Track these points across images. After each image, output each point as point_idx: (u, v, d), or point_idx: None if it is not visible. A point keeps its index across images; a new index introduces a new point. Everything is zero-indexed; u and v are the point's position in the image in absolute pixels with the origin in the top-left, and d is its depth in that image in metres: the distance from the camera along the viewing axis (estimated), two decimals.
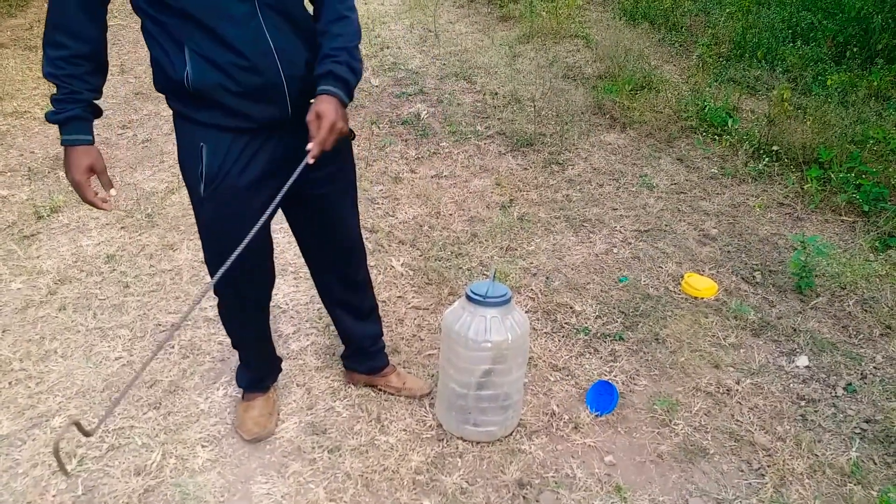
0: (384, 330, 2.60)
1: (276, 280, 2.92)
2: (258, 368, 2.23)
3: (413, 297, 2.87)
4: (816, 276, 2.97)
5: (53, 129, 4.25)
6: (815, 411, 2.32)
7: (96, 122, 1.73)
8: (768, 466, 2.10)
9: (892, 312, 2.81)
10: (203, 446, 2.11)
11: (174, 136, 1.78)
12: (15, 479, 1.98)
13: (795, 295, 2.91)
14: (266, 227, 1.84)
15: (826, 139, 3.99)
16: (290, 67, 1.65)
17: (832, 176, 3.68)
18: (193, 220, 3.30)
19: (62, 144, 1.67)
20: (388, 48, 6.03)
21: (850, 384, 2.44)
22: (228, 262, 1.53)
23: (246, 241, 1.55)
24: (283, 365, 2.45)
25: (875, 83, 4.74)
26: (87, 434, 1.44)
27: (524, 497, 1.99)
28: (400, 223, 3.43)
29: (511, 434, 2.19)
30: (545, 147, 4.20)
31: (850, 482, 2.05)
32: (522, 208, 3.56)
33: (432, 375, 2.42)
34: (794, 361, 2.54)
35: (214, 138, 1.68)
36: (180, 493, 1.95)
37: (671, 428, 2.25)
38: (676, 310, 2.80)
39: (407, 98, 4.98)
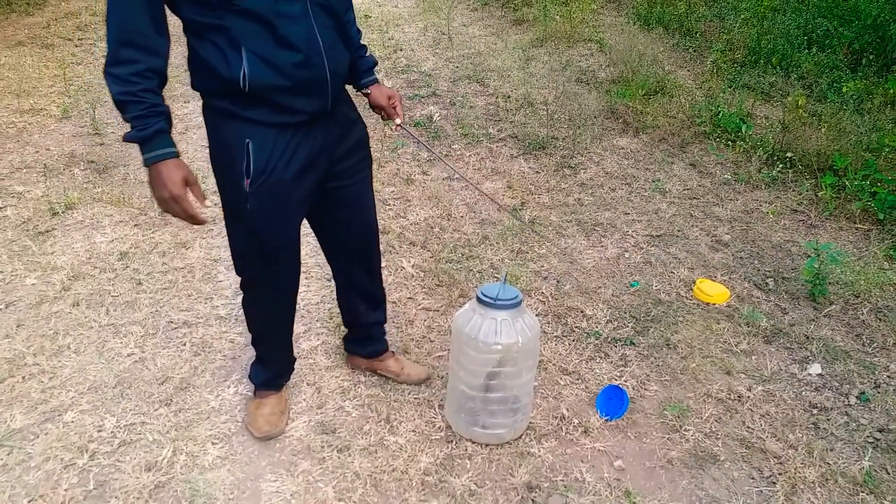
0: (395, 329, 2.61)
1: None
2: (277, 365, 2.24)
3: (423, 299, 2.88)
4: (830, 283, 2.95)
5: (69, 127, 4.29)
6: (828, 420, 2.30)
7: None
8: (779, 474, 2.08)
9: None
10: (213, 443, 2.12)
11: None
12: (27, 473, 1.99)
13: (808, 302, 2.89)
14: (299, 221, 1.93)
15: (841, 146, 3.96)
16: (333, 63, 1.75)
17: (847, 183, 3.65)
18: (206, 218, 3.34)
19: (151, 163, 1.61)
20: (401, 50, 6.04)
21: (863, 393, 2.42)
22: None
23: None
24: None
25: (891, 91, 4.71)
26: None
27: (533, 500, 1.98)
28: (411, 224, 3.43)
29: (520, 437, 2.19)
30: (557, 151, 4.20)
31: (862, 492, 2.04)
32: (534, 211, 3.55)
33: (442, 377, 2.42)
34: (806, 369, 2.52)
35: (261, 134, 1.72)
36: (190, 489, 1.96)
37: (681, 434, 2.24)
38: (688, 315, 2.79)
39: (420, 100, 4.99)
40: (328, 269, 2.33)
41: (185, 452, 2.08)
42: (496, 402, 2.09)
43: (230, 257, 1.95)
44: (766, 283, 3.01)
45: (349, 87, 2.03)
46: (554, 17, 6.44)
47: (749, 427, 2.26)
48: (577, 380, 2.45)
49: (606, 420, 2.28)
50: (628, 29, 6.44)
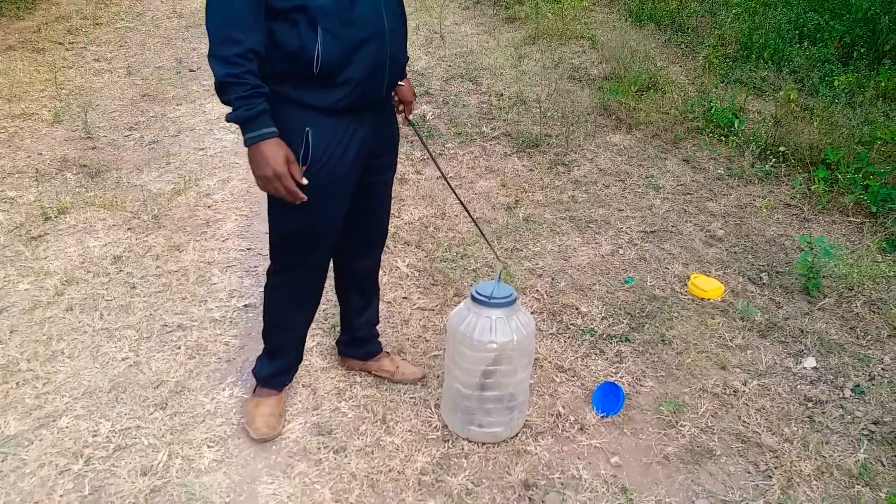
0: (390, 329, 2.61)
1: None
2: (286, 360, 2.21)
3: (418, 298, 2.87)
4: (824, 277, 2.95)
5: (61, 131, 4.27)
6: (823, 413, 2.31)
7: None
8: (775, 468, 2.09)
9: None
10: (209, 447, 2.11)
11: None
12: (22, 479, 1.98)
13: (802, 296, 2.90)
14: (345, 211, 1.98)
15: (833, 140, 3.97)
16: (394, 47, 1.82)
17: (839, 177, 3.66)
18: (200, 222, 3.34)
19: (255, 141, 1.67)
20: None
21: (857, 386, 2.43)
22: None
23: None
24: None
25: (882, 84, 4.72)
26: None
27: (530, 498, 1.98)
28: (405, 224, 3.43)
29: (517, 435, 2.19)
30: (551, 148, 4.20)
31: (857, 484, 2.04)
32: (528, 209, 3.55)
33: (437, 377, 2.41)
34: (801, 363, 2.53)
35: (320, 123, 1.78)
36: (186, 493, 1.95)
37: (677, 429, 2.24)
38: (683, 311, 2.79)
39: None
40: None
41: (180, 456, 2.07)
42: (492, 400, 2.09)
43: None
44: (761, 278, 3.02)
45: None
46: (546, 15, 6.44)
47: (745, 421, 2.27)
48: (573, 377, 2.46)
49: (602, 417, 2.28)
50: (620, 25, 6.44)
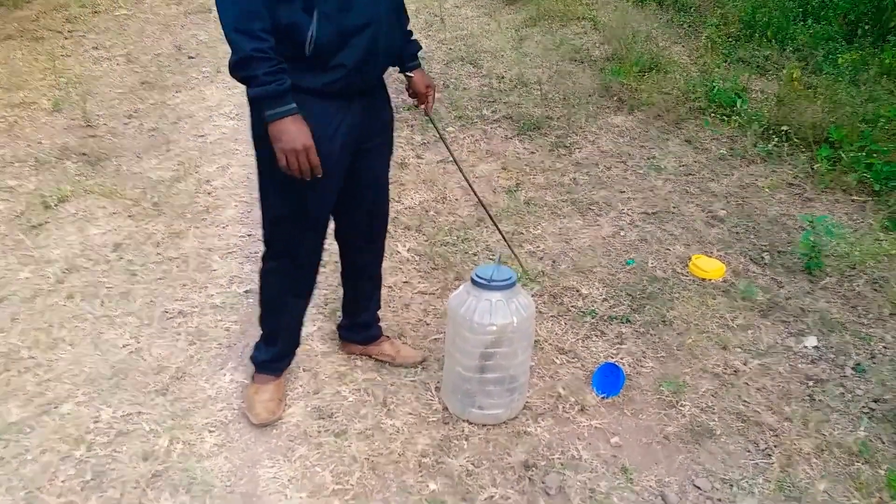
0: (391, 313, 2.62)
1: None
2: (283, 345, 2.22)
3: (419, 282, 2.87)
4: (826, 256, 2.94)
5: (61, 120, 4.26)
6: (824, 391, 2.30)
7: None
8: (775, 447, 2.09)
9: None
10: (210, 431, 2.12)
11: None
12: (24, 466, 2.00)
13: (804, 275, 2.88)
14: (336, 196, 1.98)
15: (837, 118, 3.93)
16: (387, 38, 1.82)
17: (843, 155, 3.63)
18: (200, 209, 3.33)
19: (284, 116, 1.68)
20: None
21: (858, 364, 2.42)
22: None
23: None
24: None
25: (887, 61, 4.66)
26: None
27: (530, 479, 1.99)
28: (406, 208, 3.42)
29: (517, 417, 2.19)
30: (552, 130, 4.17)
31: (857, 461, 2.04)
32: (529, 192, 3.54)
33: (438, 360, 2.42)
34: (802, 342, 2.52)
35: (310, 105, 1.75)
36: (187, 477, 1.96)
37: (678, 409, 2.24)
38: (684, 291, 2.78)
39: None
40: (324, 256, 2.32)
41: (181, 441, 2.08)
42: (492, 382, 2.09)
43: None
44: (762, 258, 3.00)
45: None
46: None
47: (745, 401, 2.26)
48: (574, 358, 2.45)
49: (603, 398, 2.28)
50: (621, 6, 6.37)
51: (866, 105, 4.07)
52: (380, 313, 2.43)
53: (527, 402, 2.24)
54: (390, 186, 3.56)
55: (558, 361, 2.44)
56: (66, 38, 5.75)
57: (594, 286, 2.83)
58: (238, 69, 1.66)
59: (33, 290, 2.75)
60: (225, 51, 1.83)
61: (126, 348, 2.47)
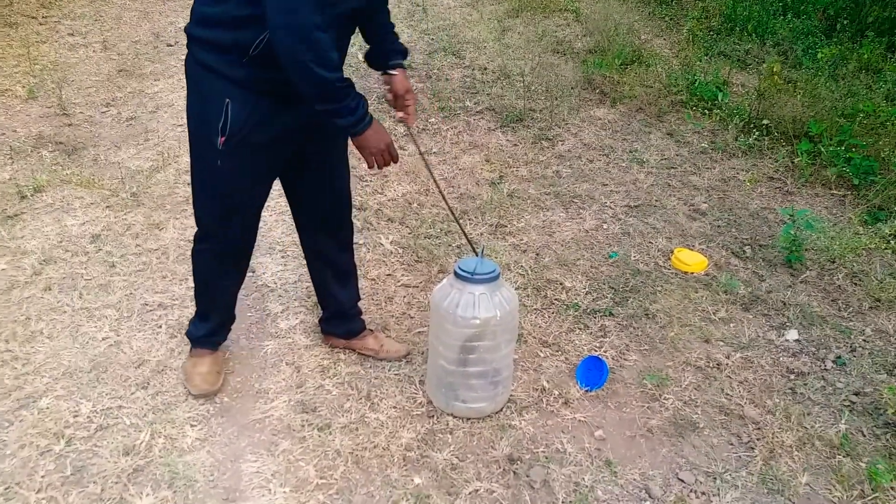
0: (375, 306, 2.60)
1: (265, 259, 2.91)
2: (215, 322, 2.26)
3: (402, 275, 2.86)
4: (806, 249, 2.97)
5: (35, 108, 4.17)
6: (805, 384, 2.33)
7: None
8: (758, 440, 2.11)
9: (882, 285, 2.81)
10: (192, 426, 2.10)
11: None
12: (2, 461, 1.96)
13: (785, 269, 2.91)
14: (267, 187, 2.02)
15: (816, 113, 3.98)
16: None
17: (822, 150, 3.67)
18: (180, 199, 3.28)
19: (372, 121, 1.83)
20: None
21: (839, 357, 2.45)
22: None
23: None
24: (272, 344, 2.44)
25: (865, 56, 4.73)
26: None
27: (514, 472, 1.99)
28: (389, 200, 3.40)
29: (501, 410, 2.19)
30: (535, 123, 4.17)
31: (839, 454, 2.07)
32: (512, 184, 3.53)
33: (422, 353, 2.41)
34: (783, 335, 2.55)
35: (241, 97, 1.77)
36: (169, 472, 1.94)
37: (661, 402, 2.25)
38: (666, 285, 2.80)
39: None
40: None
41: (163, 435, 2.06)
42: (476, 376, 2.09)
43: None
44: (744, 251, 3.03)
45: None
46: None
47: (728, 394, 2.29)
48: (557, 352, 2.46)
49: (586, 391, 2.29)
50: None
51: (845, 100, 4.12)
52: (362, 306, 2.41)
53: (511, 396, 2.24)
54: (372, 179, 3.57)
55: (542, 354, 2.44)
56: (40, 24, 5.62)
57: (577, 279, 2.83)
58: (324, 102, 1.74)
59: (9, 281, 2.70)
60: None
61: (105, 341, 2.43)
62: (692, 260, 2.90)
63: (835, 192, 3.49)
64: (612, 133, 4.08)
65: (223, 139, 1.80)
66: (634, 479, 1.98)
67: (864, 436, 2.14)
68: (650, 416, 2.20)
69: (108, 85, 4.57)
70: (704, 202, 3.40)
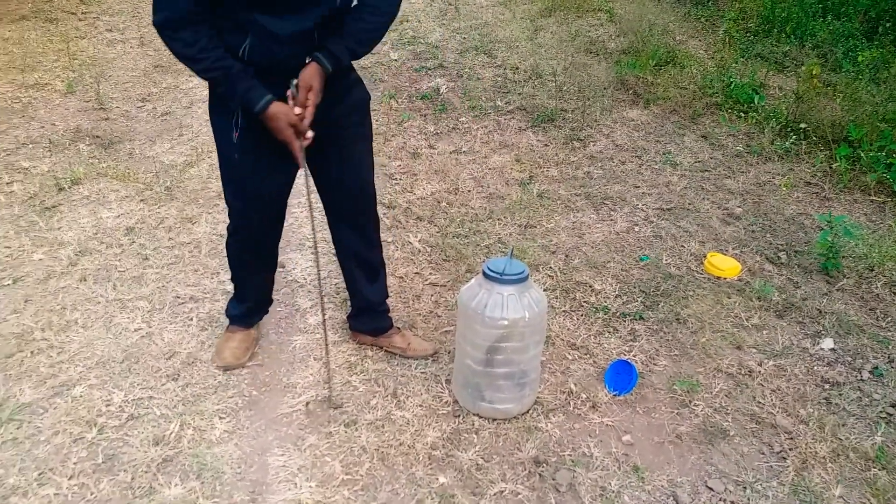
0: (402, 304, 2.60)
1: (295, 255, 2.93)
2: (249, 305, 2.36)
3: (430, 274, 2.85)
4: (843, 257, 2.90)
5: (74, 102, 4.26)
6: (840, 395, 2.28)
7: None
8: (790, 449, 2.07)
9: None
10: (220, 418, 2.12)
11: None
12: (37, 447, 2.00)
13: (821, 276, 2.85)
14: (285, 178, 2.06)
15: (856, 117, 3.88)
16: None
17: (862, 155, 3.58)
18: (212, 194, 3.32)
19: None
20: (407, 21, 5.95)
21: (876, 367, 2.39)
22: None
23: None
24: (301, 339, 2.46)
25: None
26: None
27: (540, 475, 1.98)
28: (418, 199, 3.40)
29: (528, 412, 2.18)
30: (566, 123, 4.14)
31: (874, 467, 2.01)
32: (542, 185, 3.51)
33: (449, 352, 2.40)
34: (818, 344, 2.49)
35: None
36: (198, 463, 1.96)
37: (691, 409, 2.22)
38: (698, 290, 2.75)
39: (426, 72, 4.92)
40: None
41: (192, 427, 2.08)
42: (503, 377, 2.08)
43: None
44: (779, 257, 2.97)
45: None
46: None
47: (759, 402, 2.24)
48: (586, 355, 2.44)
49: (615, 395, 2.26)
50: None
51: (886, 104, 4.02)
52: (390, 304, 2.41)
53: (537, 398, 2.22)
54: (402, 177, 3.58)
55: (570, 357, 2.42)
56: (79, 20, 5.74)
57: (607, 282, 2.81)
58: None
59: (46, 271, 2.75)
60: None
61: (138, 332, 2.47)
62: (725, 265, 2.85)
63: (874, 198, 3.41)
64: (644, 134, 4.03)
65: (237, 133, 1.89)
66: (662, 486, 1.96)
67: None
68: (679, 422, 2.17)
69: (144, 80, 4.64)
70: (739, 206, 3.34)
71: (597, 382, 2.31)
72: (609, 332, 2.54)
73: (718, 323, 2.58)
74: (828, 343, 2.49)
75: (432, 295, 2.73)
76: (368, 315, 2.38)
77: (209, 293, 2.67)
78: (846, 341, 2.51)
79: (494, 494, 1.91)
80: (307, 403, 2.17)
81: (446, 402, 2.21)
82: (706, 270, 2.87)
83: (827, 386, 2.32)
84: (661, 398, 2.26)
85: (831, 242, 2.83)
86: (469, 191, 3.46)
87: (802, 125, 3.89)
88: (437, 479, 1.95)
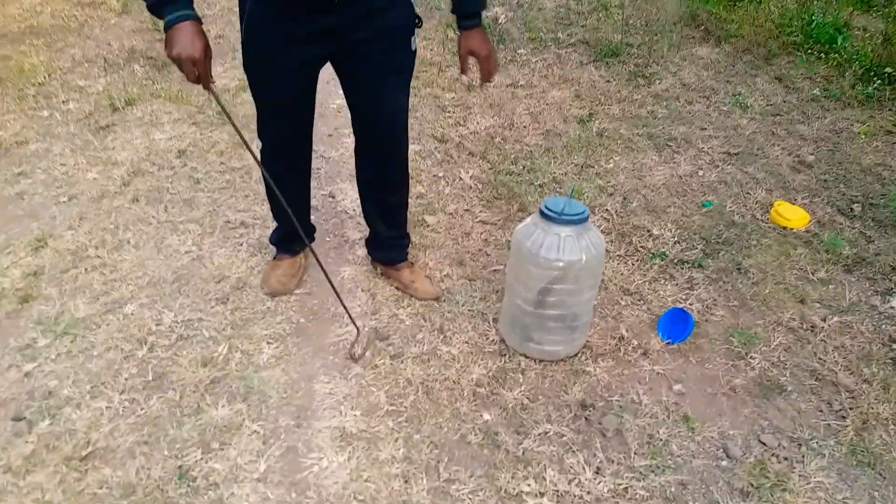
0: (451, 241, 2.54)
1: (345, 185, 2.89)
2: (288, 227, 2.26)
3: (481, 212, 2.78)
4: None
5: (129, 22, 4.23)
6: None
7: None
8: (850, 409, 1.97)
9: None
10: (268, 343, 2.13)
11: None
12: (90, 361, 2.05)
13: None
14: (294, 86, 1.93)
15: None
16: None
17: None
18: None
19: (175, 23, 1.60)
20: None
21: None
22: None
23: None
24: (349, 270, 2.44)
25: None
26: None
27: (586, 418, 1.94)
28: (471, 133, 3.30)
29: (576, 355, 2.13)
30: (631, 59, 3.94)
31: None
32: (603, 123, 3.36)
33: (497, 291, 2.35)
34: (889, 301, 2.36)
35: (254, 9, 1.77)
36: (245, 386, 1.98)
37: (747, 361, 2.13)
38: (763, 239, 2.62)
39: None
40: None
41: (240, 350, 2.10)
42: (553, 319, 2.02)
43: None
44: (851, 209, 2.80)
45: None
46: None
47: (821, 358, 2.14)
48: (639, 300, 2.36)
49: (668, 343, 2.19)
50: None
51: None
52: (440, 238, 2.36)
53: (587, 342, 2.16)
54: (455, 110, 3.47)
55: (623, 303, 2.35)
56: None
57: (666, 227, 2.69)
58: None
59: (100, 190, 2.78)
60: None
61: (188, 255, 2.48)
62: (793, 215, 2.70)
63: None
64: (714, 74, 3.81)
65: (244, 37, 1.86)
66: (712, 437, 1.90)
67: None
68: (734, 374, 2.09)
69: (198, 2, 4.57)
70: (811, 154, 3.14)
71: (649, 330, 2.24)
72: (665, 279, 2.45)
73: (782, 275, 2.46)
74: None
75: (482, 233, 2.66)
76: (380, 244, 2.35)
77: (259, 219, 2.66)
78: None
79: (539, 435, 1.88)
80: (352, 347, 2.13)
81: (492, 341, 2.17)
82: (772, 220, 2.73)
83: (894, 346, 2.19)
84: (716, 349, 2.18)
85: None
86: (525, 126, 3.34)
87: (888, 69, 3.62)
88: (482, 415, 1.93)
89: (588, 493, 1.73)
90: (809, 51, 3.95)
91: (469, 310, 2.29)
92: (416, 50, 1.94)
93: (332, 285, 2.04)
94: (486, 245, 2.61)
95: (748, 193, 2.89)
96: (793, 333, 2.23)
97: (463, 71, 1.93)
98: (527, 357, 2.11)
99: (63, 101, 3.37)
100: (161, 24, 1.67)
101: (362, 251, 2.53)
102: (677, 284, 2.43)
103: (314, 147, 2.22)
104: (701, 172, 3.02)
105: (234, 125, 1.80)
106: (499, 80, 3.75)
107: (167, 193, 2.79)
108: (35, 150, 3.04)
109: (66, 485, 1.69)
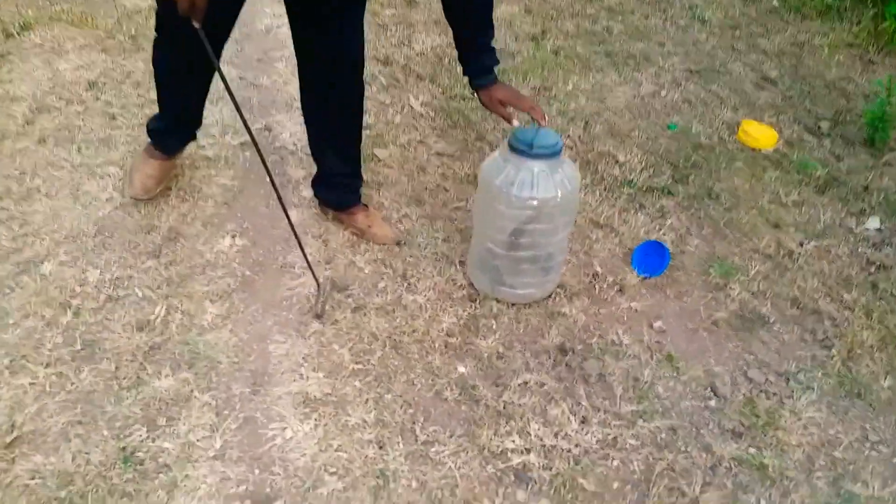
0: (405, 177, 2.33)
1: (282, 117, 2.60)
2: (172, 118, 2.11)
3: (435, 142, 2.56)
4: (893, 127, 2.65)
5: None
6: (888, 279, 2.11)
7: None
8: (835, 338, 1.92)
9: None
10: (211, 301, 1.89)
11: None
12: (6, 331, 1.77)
13: (866, 148, 2.61)
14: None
15: None
16: None
17: None
18: None
19: None
20: None
21: None
22: None
23: None
24: (295, 214, 2.20)
25: None
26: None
27: (567, 364, 1.81)
28: (417, 54, 3.03)
29: (550, 296, 1.99)
30: None
31: None
32: (557, 41, 3.14)
33: (461, 231, 2.17)
34: (863, 223, 2.30)
35: None
36: (189, 351, 1.76)
37: (726, 293, 2.04)
38: (732, 161, 2.51)
39: None
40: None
41: (180, 311, 1.86)
42: (526, 260, 1.86)
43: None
44: (819, 127, 2.71)
45: None
46: None
47: (800, 286, 2.07)
48: (611, 233, 2.22)
49: (644, 278, 2.07)
50: None
51: None
52: (393, 175, 2.14)
53: (560, 281, 2.02)
54: (397, 28, 3.17)
55: (593, 236, 2.21)
56: None
57: (632, 152, 2.54)
58: None
59: (0, 131, 2.41)
60: None
61: (110, 203, 2.18)
62: (761, 133, 2.59)
63: None
64: None
65: None
66: (698, 377, 1.81)
67: None
68: (715, 308, 2.00)
69: None
70: (774, 69, 3.03)
71: (623, 264, 2.12)
72: (635, 209, 2.32)
73: (754, 199, 2.36)
74: (874, 223, 2.30)
75: (439, 166, 2.45)
76: (331, 183, 2.12)
77: (188, 159, 2.36)
78: (894, 220, 2.31)
79: (519, 385, 1.75)
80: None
81: (461, 286, 2.00)
82: (739, 140, 2.62)
83: (873, 269, 2.15)
84: (693, 281, 2.08)
85: (881, 111, 2.56)
86: None
87: None
88: (456, 368, 1.78)
89: (576, 445, 1.62)
90: None
91: (433, 253, 2.11)
92: None
93: (294, 231, 1.81)
94: (445, 180, 2.40)
95: (713, 113, 2.76)
96: (770, 261, 2.15)
97: (509, 120, 1.84)
98: (498, 301, 1.96)
99: None
100: None
101: (308, 192, 2.28)
102: (648, 214, 2.30)
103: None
104: (663, 92, 2.87)
105: (220, 73, 1.61)
106: None
107: (79, 132, 2.44)
108: None
109: None
